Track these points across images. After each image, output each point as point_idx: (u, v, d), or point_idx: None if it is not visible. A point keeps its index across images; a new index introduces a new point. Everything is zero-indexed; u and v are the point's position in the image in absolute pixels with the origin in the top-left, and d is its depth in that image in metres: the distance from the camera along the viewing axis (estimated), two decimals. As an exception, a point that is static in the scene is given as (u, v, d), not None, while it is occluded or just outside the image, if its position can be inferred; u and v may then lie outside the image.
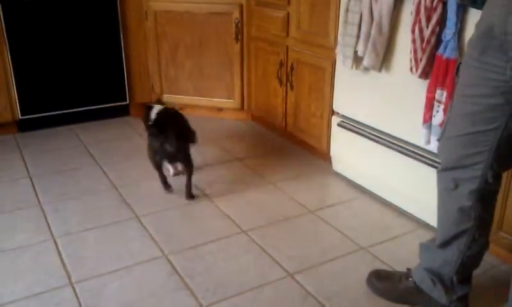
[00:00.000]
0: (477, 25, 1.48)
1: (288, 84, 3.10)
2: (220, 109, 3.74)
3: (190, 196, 2.54)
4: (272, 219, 2.39)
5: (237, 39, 3.46)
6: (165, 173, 2.64)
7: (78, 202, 2.54)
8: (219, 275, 1.98)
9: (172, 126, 2.45)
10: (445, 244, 1.68)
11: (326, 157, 2.95)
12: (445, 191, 1.64)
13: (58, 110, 3.48)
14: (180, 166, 2.69)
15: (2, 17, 3.12)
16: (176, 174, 2.76)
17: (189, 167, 2.54)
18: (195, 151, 3.16)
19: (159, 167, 2.57)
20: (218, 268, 2.02)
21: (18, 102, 3.32)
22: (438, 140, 1.68)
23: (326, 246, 2.18)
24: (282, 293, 1.88)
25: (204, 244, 2.19)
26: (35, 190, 2.65)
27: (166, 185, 2.62)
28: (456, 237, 1.64)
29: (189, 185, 2.55)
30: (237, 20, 3.41)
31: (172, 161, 2.64)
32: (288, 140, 3.32)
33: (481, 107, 1.47)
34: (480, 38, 1.45)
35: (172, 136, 2.39)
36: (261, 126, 3.60)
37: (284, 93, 3.17)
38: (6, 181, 2.75)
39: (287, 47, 3.05)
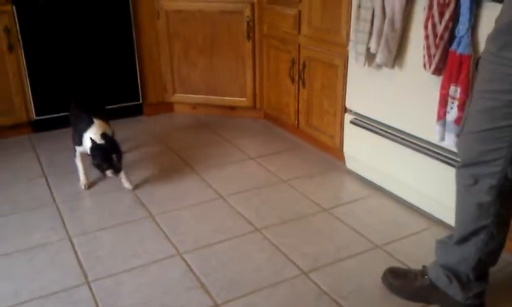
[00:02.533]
0: (497, 20, 1.46)
1: (301, 81, 3.09)
2: (232, 108, 3.74)
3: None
4: (286, 217, 2.39)
5: (248, 37, 3.46)
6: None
7: (93, 201, 2.56)
8: (233, 274, 1.99)
9: None
10: (462, 241, 1.67)
11: (339, 155, 2.94)
12: (464, 187, 1.63)
13: (72, 111, 3.51)
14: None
15: (16, 18, 3.16)
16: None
17: None
18: (207, 149, 3.18)
19: None
20: (233, 267, 2.03)
21: (33, 102, 3.35)
22: (457, 136, 1.67)
23: (341, 244, 2.18)
24: (297, 291, 1.89)
25: (218, 242, 2.19)
26: (50, 190, 2.67)
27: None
28: (474, 233, 1.63)
29: None
30: (248, 19, 3.41)
31: None
32: (301, 138, 3.32)
33: (500, 103, 1.45)
34: (500, 32, 1.43)
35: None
36: (273, 124, 3.60)
37: (296, 91, 3.16)
38: (21, 180, 2.78)
39: (299, 45, 3.05)
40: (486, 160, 1.53)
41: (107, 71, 3.54)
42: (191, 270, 2.01)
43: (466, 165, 1.60)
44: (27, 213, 2.45)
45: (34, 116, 3.39)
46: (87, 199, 2.57)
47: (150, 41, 3.62)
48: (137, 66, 3.61)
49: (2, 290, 1.91)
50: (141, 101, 3.72)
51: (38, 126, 3.44)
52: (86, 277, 1.98)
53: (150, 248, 2.16)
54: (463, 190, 1.64)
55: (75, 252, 2.14)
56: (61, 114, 3.46)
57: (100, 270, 2.01)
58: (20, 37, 3.19)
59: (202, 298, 1.85)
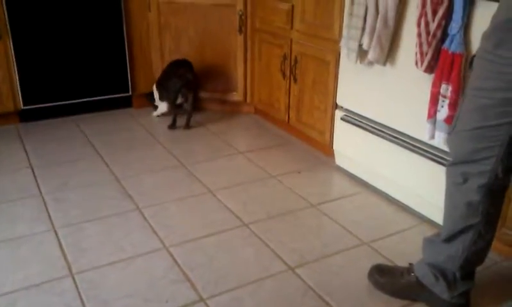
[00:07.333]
0: (494, 18, 1.45)
1: (292, 77, 3.08)
2: (223, 102, 3.72)
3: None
4: (274, 213, 2.38)
5: (240, 31, 3.43)
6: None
7: (79, 193, 2.53)
8: (219, 268, 1.97)
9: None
10: (450, 239, 1.66)
11: (329, 151, 2.93)
12: (454, 185, 1.62)
13: (60, 101, 3.47)
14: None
15: (4, 6, 3.11)
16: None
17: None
18: (197, 143, 3.17)
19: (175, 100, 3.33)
20: (219, 261, 2.01)
21: (21, 91, 3.30)
22: (449, 134, 1.66)
23: (328, 240, 2.17)
24: (283, 287, 1.87)
25: (205, 236, 2.18)
26: (36, 181, 2.64)
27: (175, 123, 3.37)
28: (462, 232, 1.62)
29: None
30: (240, 12, 3.38)
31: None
32: (291, 133, 3.30)
33: (494, 101, 1.44)
34: (496, 30, 1.42)
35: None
36: (264, 119, 3.58)
37: (287, 86, 3.15)
38: (7, 171, 2.74)
39: (291, 40, 3.03)
40: (477, 158, 1.53)
41: (97, 61, 3.50)
42: (177, 264, 1.99)
43: (456, 164, 1.60)
44: (12, 203, 2.42)
45: (22, 105, 3.34)
46: (72, 191, 2.54)
47: (141, 33, 3.58)
48: (127, 57, 3.57)
49: (-16, 280, 1.88)
50: (130, 93, 3.68)
51: (26, 116, 3.40)
52: (70, 269, 1.95)
53: (136, 241, 2.13)
54: (452, 188, 1.64)
55: (60, 243, 2.11)
56: (49, 104, 3.43)
57: (84, 263, 1.98)
58: (8, 25, 3.14)
59: (187, 292, 1.83)
